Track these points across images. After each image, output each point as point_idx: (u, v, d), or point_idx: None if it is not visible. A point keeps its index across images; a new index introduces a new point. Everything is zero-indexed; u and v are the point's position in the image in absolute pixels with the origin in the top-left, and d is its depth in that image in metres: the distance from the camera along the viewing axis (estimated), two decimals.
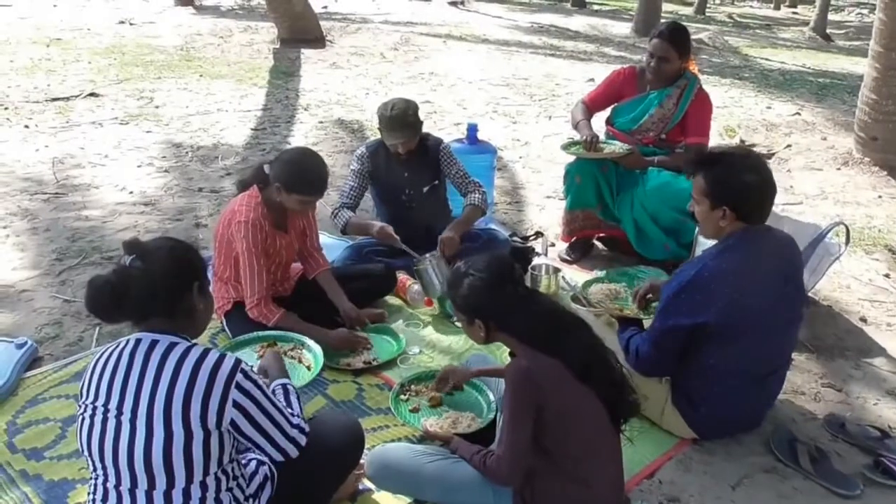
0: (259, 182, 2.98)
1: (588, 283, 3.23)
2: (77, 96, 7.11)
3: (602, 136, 3.99)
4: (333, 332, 2.97)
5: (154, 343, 1.76)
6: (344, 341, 2.99)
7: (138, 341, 1.77)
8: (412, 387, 2.74)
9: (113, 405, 1.73)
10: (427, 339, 3.25)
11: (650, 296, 2.84)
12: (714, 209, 2.35)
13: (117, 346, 1.80)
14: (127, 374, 1.73)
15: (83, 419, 1.77)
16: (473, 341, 2.18)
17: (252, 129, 6.42)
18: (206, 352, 1.77)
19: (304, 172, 2.90)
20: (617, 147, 3.81)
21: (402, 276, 3.59)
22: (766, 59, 11.06)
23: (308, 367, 2.64)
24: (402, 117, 3.42)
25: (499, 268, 2.10)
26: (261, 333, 2.82)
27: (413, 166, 3.62)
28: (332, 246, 3.85)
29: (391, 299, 3.55)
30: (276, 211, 3.01)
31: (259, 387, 1.81)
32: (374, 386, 2.89)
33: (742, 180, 2.31)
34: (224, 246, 3.00)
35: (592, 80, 8.55)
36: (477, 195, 3.62)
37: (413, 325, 3.36)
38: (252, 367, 1.86)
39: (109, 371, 1.76)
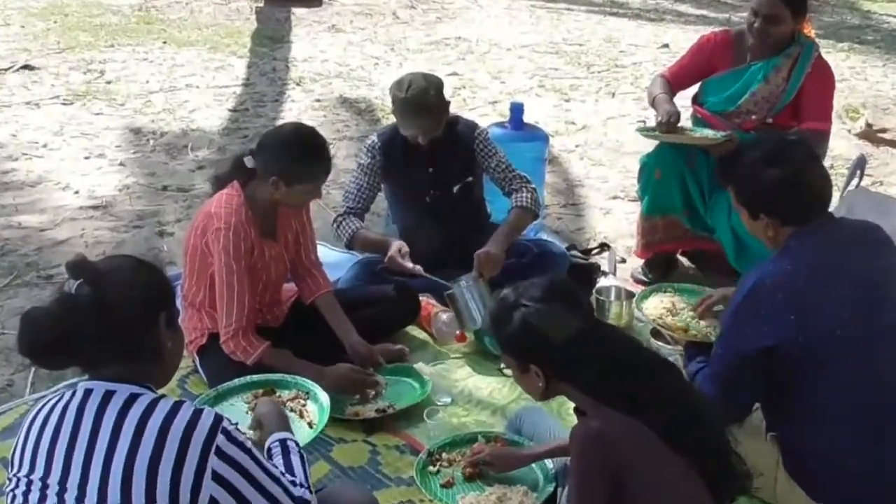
0: (240, 177, 3.00)
1: (643, 296, 3.25)
2: (7, 69, 7.19)
3: (688, 122, 3.95)
4: (329, 369, 2.96)
5: (109, 395, 1.73)
6: (343, 380, 2.97)
7: (88, 392, 1.74)
8: (443, 455, 2.72)
9: (54, 479, 1.69)
10: (460, 384, 3.25)
11: (719, 307, 2.86)
12: (755, 219, 2.42)
13: (60, 399, 1.76)
14: (73, 438, 1.69)
15: (13, 497, 1.73)
16: (527, 393, 2.14)
17: (230, 111, 6.46)
18: (176, 406, 1.73)
19: (308, 152, 2.93)
20: (710, 133, 3.77)
21: (426, 300, 3.57)
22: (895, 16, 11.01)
23: (310, 424, 2.59)
24: (421, 100, 3.42)
25: (561, 295, 2.06)
26: (254, 378, 2.79)
27: (439, 159, 3.63)
28: (335, 261, 3.84)
29: (414, 331, 3.58)
30: (263, 213, 3.02)
31: (247, 450, 1.77)
32: (391, 448, 2.87)
33: (761, 179, 2.37)
34: (197, 261, 3.00)
35: (667, 46, 8.55)
36: (525, 194, 3.61)
37: (442, 366, 3.33)
38: (237, 425, 1.81)
39: (50, 433, 1.72)
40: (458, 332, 3.42)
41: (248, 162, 2.97)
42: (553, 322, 2.02)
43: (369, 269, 3.63)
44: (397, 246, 3.44)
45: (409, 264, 3.40)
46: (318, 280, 3.27)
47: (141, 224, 4.57)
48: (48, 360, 1.74)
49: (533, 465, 2.63)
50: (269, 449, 1.99)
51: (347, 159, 5.52)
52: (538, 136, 4.39)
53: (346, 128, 6.12)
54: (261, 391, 2.75)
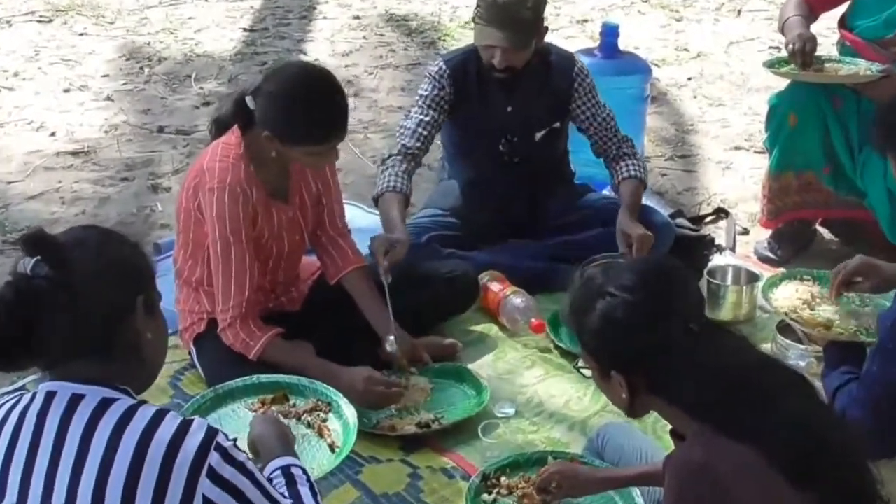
0: (241, 121, 3.02)
1: (772, 283, 3.20)
2: None
3: (833, 51, 3.89)
4: (346, 374, 2.95)
5: (76, 400, 1.74)
6: (369, 393, 2.95)
7: (50, 396, 1.75)
8: (502, 479, 2.71)
9: (10, 499, 1.71)
10: (528, 391, 3.24)
11: (860, 279, 2.82)
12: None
13: (16, 405, 1.78)
14: (31, 454, 1.71)
15: None
16: (612, 404, 2.12)
17: (245, 31, 6.51)
18: (159, 416, 1.74)
19: (305, 109, 2.90)
20: (861, 67, 3.71)
21: (489, 280, 3.57)
22: None
23: (332, 447, 2.60)
24: (514, 9, 3.46)
25: (660, 284, 2.03)
26: (262, 378, 2.79)
27: (523, 95, 3.67)
28: (370, 227, 3.83)
29: (471, 319, 3.58)
30: (271, 167, 3.03)
31: (248, 473, 1.78)
32: (436, 470, 2.87)
33: None
34: (190, 229, 3.04)
35: None
36: (634, 162, 3.71)
37: (505, 366, 3.33)
38: (236, 440, 1.82)
39: (4, 445, 1.74)
40: (534, 318, 3.43)
41: (250, 102, 2.95)
42: (645, 319, 1.99)
43: (414, 239, 3.60)
44: (393, 238, 3.28)
45: (385, 264, 3.19)
46: (346, 252, 3.27)
47: (130, 175, 4.62)
48: (2, 358, 1.75)
49: (614, 494, 2.61)
50: (271, 480, 1.98)
51: (392, 94, 5.54)
52: (638, 68, 4.35)
53: (391, 54, 6.13)
54: (270, 396, 2.75)
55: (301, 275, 3.33)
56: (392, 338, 3.13)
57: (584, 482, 2.57)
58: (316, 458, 2.56)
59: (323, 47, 6.29)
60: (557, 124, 3.74)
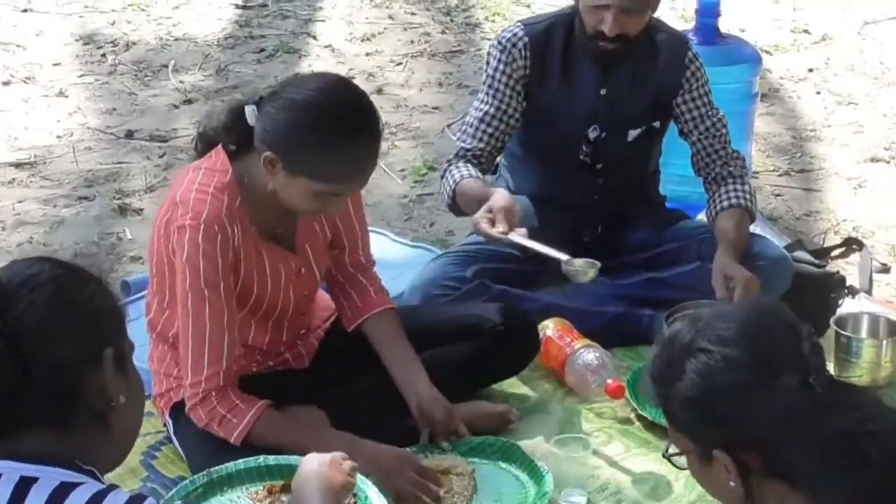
0: (235, 139, 3.03)
1: None
2: None
3: None
4: (377, 449, 2.97)
5: (26, 484, 1.73)
6: (401, 475, 2.95)
7: None
8: None
9: None
10: (603, 475, 3.22)
11: None
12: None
13: None
14: None
15: None
16: (713, 497, 2.13)
17: (238, 7, 6.57)
18: (139, 499, 1.74)
19: (332, 130, 2.86)
20: None
21: (552, 329, 3.57)
22: None
23: None
24: None
25: (770, 334, 2.03)
26: (268, 460, 2.81)
27: (622, 79, 3.72)
28: (399, 259, 3.88)
29: (527, 379, 3.57)
30: (267, 201, 2.98)
31: None
32: None
33: None
34: (165, 273, 3.04)
35: None
36: (741, 187, 3.73)
37: (572, 443, 3.26)
38: None
39: None
40: (610, 379, 3.40)
41: (251, 115, 2.92)
42: (754, 376, 1.99)
43: (457, 272, 3.66)
44: (490, 202, 3.34)
45: (501, 228, 3.27)
46: (368, 291, 3.28)
47: (91, 193, 4.64)
48: None
49: None
50: None
51: (426, 90, 5.59)
52: (744, 56, 4.36)
53: (423, 38, 6.19)
54: (279, 483, 2.75)
55: (311, 324, 3.34)
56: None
57: None
58: None
59: (338, 29, 6.33)
60: (657, 123, 3.77)
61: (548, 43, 3.66)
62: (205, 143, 3.08)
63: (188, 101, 5.43)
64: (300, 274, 3.14)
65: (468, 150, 3.64)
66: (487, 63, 3.71)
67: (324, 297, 3.38)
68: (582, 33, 3.57)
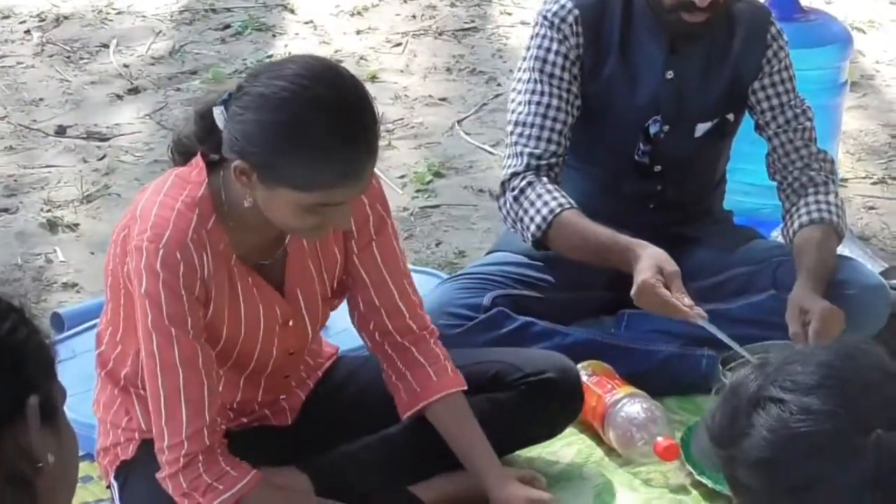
0: (208, 146, 2.99)
1: None
2: None
3: None
4: None
5: None
6: None
7: None
8: None
9: None
10: None
11: None
12: None
13: None
14: None
15: None
16: None
17: None
18: None
19: (316, 121, 2.84)
20: None
21: (589, 374, 3.55)
22: None
23: None
24: None
25: (860, 387, 1.93)
26: None
27: (693, 60, 3.79)
28: None
29: (570, 439, 3.55)
30: (247, 221, 2.98)
31: None
32: None
33: None
34: (121, 303, 3.06)
35: None
36: (826, 197, 3.72)
37: None
38: None
39: None
40: (660, 437, 3.40)
41: (219, 118, 2.91)
42: (840, 435, 1.92)
43: (470, 298, 3.69)
44: (654, 260, 3.40)
45: (687, 301, 3.38)
46: (427, 371, 3.23)
47: (12, 205, 4.66)
48: None
49: None
50: None
51: (431, 77, 5.58)
52: (830, 35, 4.38)
53: (428, 13, 6.18)
54: None
55: (299, 375, 3.35)
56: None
57: None
58: None
59: (321, 1, 6.33)
60: (731, 116, 3.80)
61: (603, 16, 3.69)
62: (181, 155, 3.07)
63: (134, 90, 5.45)
64: (286, 326, 3.13)
65: (540, 156, 3.62)
66: (533, 44, 3.71)
67: (322, 342, 3.39)
68: (650, 3, 3.59)
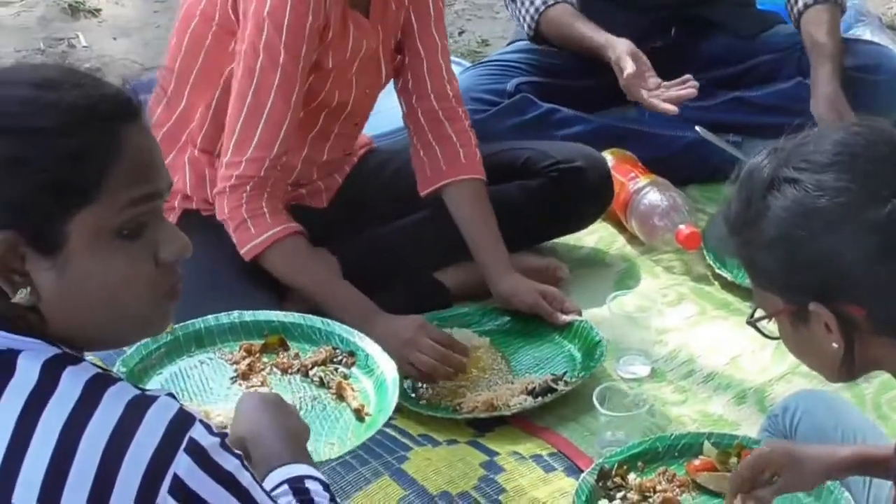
0: None
1: None
2: None
3: None
4: (391, 320, 3.05)
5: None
6: (418, 346, 3.04)
7: None
8: (630, 476, 2.76)
9: None
10: (675, 339, 3.30)
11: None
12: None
13: None
14: None
15: None
16: (809, 367, 2.16)
17: None
18: (94, 390, 1.71)
19: None
20: None
21: (612, 163, 3.59)
22: None
23: (361, 412, 2.63)
24: None
25: (874, 161, 1.99)
26: (244, 316, 2.83)
27: None
28: None
29: (593, 227, 3.59)
30: None
31: (232, 484, 1.75)
32: (527, 459, 2.94)
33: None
34: (204, 46, 3.12)
35: None
36: None
37: (636, 299, 3.32)
38: (226, 432, 1.80)
39: None
40: (683, 225, 3.44)
41: None
42: (856, 207, 1.96)
43: (493, 84, 3.74)
44: (627, 50, 3.45)
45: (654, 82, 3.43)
46: (458, 153, 3.27)
47: None
48: None
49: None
50: (275, 494, 1.98)
51: None
52: None
53: None
54: (259, 343, 2.79)
55: (354, 149, 3.43)
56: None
57: (810, 473, 2.53)
58: (335, 430, 2.57)
59: None
60: None
61: None
62: None
63: None
64: (369, 61, 3.17)
65: None
66: None
67: (362, 136, 3.44)
68: None
